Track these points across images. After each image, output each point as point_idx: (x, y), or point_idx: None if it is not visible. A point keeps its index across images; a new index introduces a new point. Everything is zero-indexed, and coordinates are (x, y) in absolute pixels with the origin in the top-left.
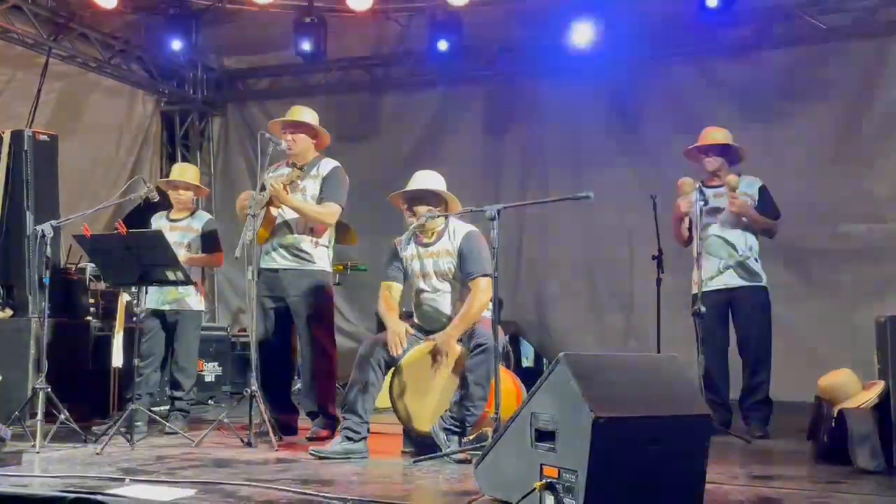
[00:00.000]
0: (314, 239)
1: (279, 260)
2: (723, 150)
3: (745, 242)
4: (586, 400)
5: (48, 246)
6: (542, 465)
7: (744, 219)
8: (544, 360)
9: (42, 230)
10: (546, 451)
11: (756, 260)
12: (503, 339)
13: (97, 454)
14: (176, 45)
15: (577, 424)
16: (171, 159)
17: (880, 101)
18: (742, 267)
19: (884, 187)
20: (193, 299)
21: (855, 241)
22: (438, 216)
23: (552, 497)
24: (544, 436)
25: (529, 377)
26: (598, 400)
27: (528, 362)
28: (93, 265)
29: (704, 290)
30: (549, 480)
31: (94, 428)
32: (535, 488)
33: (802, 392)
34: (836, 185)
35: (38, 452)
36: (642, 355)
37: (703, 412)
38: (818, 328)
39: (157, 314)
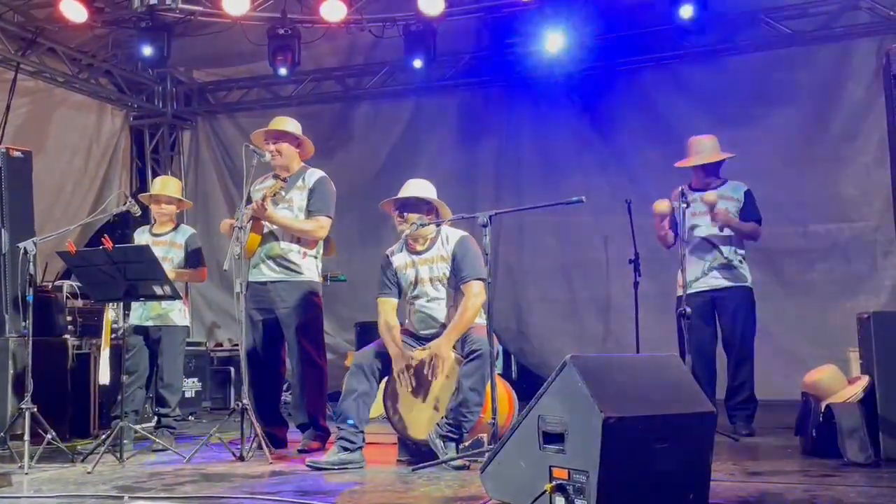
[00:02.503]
0: (302, 249)
1: (267, 272)
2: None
3: (730, 244)
4: (596, 401)
5: (31, 263)
6: (551, 467)
7: (727, 229)
8: (513, 362)
9: (24, 247)
10: (555, 452)
11: (741, 261)
12: (498, 345)
13: (88, 473)
14: (147, 50)
15: (586, 425)
16: (141, 174)
17: (845, 102)
18: (726, 268)
19: (851, 187)
20: (177, 314)
21: (825, 241)
22: (430, 223)
23: (563, 498)
24: (553, 438)
25: None
26: (607, 400)
27: (497, 369)
28: (70, 283)
29: (689, 291)
30: (559, 482)
31: (79, 447)
32: (545, 490)
33: (778, 389)
34: (806, 186)
35: (26, 473)
36: (646, 356)
37: (707, 409)
38: (791, 327)
39: (141, 330)
